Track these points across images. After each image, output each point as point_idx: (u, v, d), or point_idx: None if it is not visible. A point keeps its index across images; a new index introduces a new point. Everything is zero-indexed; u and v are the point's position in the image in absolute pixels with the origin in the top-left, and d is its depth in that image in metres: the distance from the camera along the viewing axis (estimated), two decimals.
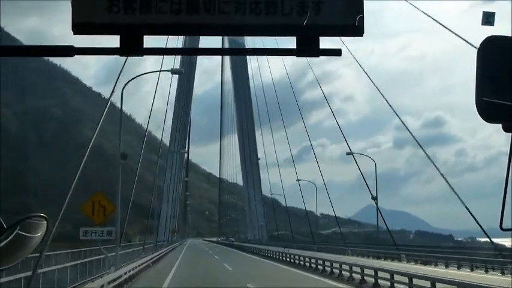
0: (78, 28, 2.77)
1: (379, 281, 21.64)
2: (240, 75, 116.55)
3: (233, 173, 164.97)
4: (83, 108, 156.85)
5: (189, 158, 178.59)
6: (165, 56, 57.93)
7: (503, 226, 2.73)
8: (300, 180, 76.99)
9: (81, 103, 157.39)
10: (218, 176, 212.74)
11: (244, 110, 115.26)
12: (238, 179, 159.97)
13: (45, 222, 2.73)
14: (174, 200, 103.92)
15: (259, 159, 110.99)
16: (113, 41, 2.82)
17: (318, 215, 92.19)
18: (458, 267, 31.78)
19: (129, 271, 25.47)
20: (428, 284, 16.58)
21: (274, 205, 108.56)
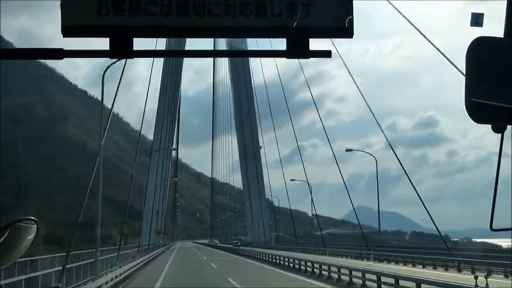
0: (68, 31, 2.84)
1: None
2: (242, 69, 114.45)
3: (225, 173, 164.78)
4: (68, 106, 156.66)
5: (179, 158, 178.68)
6: None
7: (494, 227, 2.81)
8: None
9: (66, 101, 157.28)
10: (209, 176, 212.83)
11: (246, 102, 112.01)
12: (230, 179, 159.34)
13: (35, 225, 2.79)
14: (161, 183, 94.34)
15: (260, 147, 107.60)
16: (103, 42, 2.89)
17: (311, 215, 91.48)
18: None
19: None
20: None
21: (267, 206, 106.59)
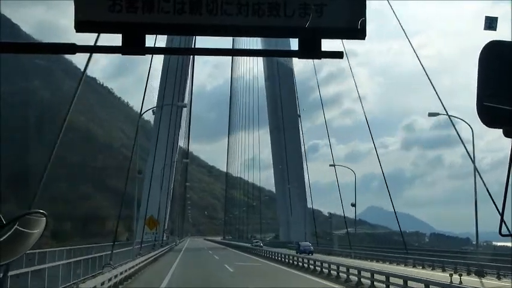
0: (81, 26, 3.01)
1: None
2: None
3: (241, 169, 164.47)
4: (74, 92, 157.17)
5: (190, 151, 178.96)
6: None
7: (503, 232, 2.94)
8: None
9: (73, 87, 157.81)
10: (222, 170, 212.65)
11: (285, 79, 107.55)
12: (246, 175, 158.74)
13: (44, 218, 2.97)
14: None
15: (299, 116, 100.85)
16: (116, 38, 3.06)
17: (326, 214, 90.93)
18: None
19: None
20: None
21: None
